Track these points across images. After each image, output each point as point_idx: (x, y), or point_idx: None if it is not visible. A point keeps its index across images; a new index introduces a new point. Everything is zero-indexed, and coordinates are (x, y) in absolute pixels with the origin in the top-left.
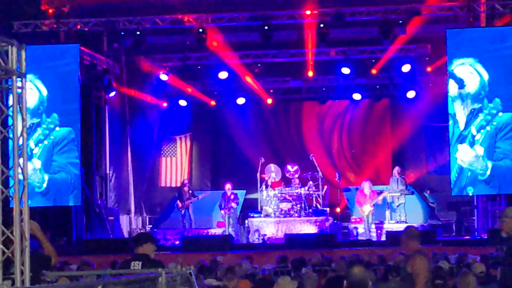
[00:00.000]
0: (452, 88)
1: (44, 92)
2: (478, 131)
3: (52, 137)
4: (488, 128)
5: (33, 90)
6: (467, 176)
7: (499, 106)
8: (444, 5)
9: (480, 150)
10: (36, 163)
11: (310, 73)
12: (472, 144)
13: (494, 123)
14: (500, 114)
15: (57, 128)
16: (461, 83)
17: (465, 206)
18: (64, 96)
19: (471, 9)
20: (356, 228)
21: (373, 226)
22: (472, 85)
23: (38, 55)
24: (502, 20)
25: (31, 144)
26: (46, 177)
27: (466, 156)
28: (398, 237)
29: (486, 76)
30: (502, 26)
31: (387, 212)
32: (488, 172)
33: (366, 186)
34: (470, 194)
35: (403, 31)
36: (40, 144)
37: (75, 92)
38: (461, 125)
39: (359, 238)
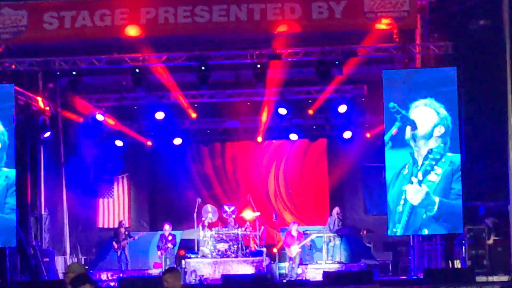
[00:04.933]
0: (407, 130)
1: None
2: (434, 172)
3: (6, 178)
4: (446, 168)
5: None
6: (422, 218)
7: (452, 148)
8: (380, 46)
9: (426, 187)
10: None
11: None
12: (420, 183)
13: (449, 165)
14: (449, 153)
15: (5, 169)
16: (413, 125)
17: (401, 246)
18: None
19: (406, 51)
20: (293, 268)
21: (305, 267)
22: (424, 127)
23: None
24: (437, 62)
25: None
26: None
27: (417, 195)
28: (335, 278)
29: (438, 117)
30: (438, 67)
31: (324, 252)
32: (435, 208)
33: (294, 228)
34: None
35: (339, 72)
36: None
37: (12, 133)
38: (419, 165)
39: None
